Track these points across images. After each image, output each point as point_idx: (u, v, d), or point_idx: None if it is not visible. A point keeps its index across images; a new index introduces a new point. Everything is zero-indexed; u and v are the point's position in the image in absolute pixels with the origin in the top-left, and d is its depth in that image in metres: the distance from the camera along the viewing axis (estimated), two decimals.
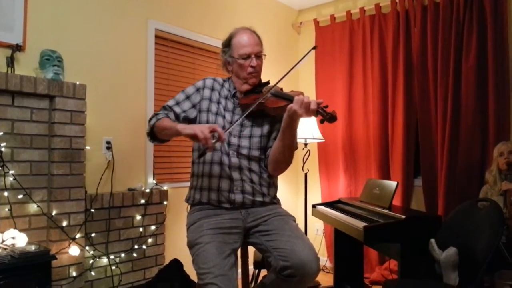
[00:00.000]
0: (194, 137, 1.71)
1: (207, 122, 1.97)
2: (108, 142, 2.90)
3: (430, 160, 3.59)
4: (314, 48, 1.99)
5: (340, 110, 4.12)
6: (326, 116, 1.79)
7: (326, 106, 1.80)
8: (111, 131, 2.94)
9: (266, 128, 2.00)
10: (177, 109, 2.00)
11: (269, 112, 1.93)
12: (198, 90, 2.04)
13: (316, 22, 4.39)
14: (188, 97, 2.03)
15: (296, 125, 1.87)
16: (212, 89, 2.04)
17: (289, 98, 1.85)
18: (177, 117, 1.99)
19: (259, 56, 1.98)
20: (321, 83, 4.34)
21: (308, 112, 1.76)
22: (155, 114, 1.99)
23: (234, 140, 1.95)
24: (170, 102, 2.03)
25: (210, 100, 2.02)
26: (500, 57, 3.27)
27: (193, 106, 2.02)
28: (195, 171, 2.02)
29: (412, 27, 3.72)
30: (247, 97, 1.99)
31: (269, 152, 1.98)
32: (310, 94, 4.35)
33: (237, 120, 1.93)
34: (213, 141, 1.68)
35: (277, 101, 1.90)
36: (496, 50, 3.27)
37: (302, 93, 1.89)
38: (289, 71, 1.92)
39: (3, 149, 2.32)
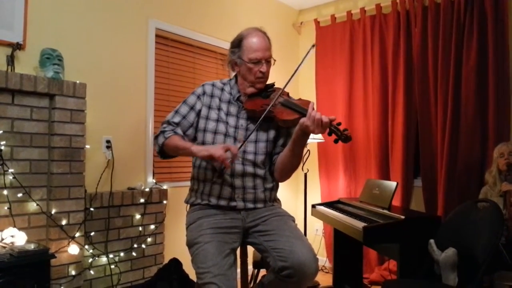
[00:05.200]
0: (210, 158, 1.74)
1: (205, 129, 1.94)
2: (108, 141, 2.90)
3: (430, 161, 3.59)
4: (313, 46, 1.96)
5: (340, 110, 4.13)
6: (340, 136, 1.73)
7: (339, 124, 1.75)
8: (111, 130, 2.93)
9: (272, 133, 1.97)
10: (185, 123, 1.95)
11: (277, 122, 1.89)
12: (199, 97, 1.99)
13: (317, 22, 4.39)
14: (192, 108, 1.98)
15: (308, 137, 1.84)
16: (212, 96, 2.00)
17: (300, 111, 1.79)
18: (185, 132, 1.96)
19: (268, 61, 1.94)
20: (321, 83, 4.34)
21: (321, 129, 1.71)
22: (162, 132, 1.94)
23: (239, 145, 1.90)
24: (176, 118, 1.96)
25: (210, 107, 1.97)
26: (500, 58, 3.27)
27: (198, 115, 1.98)
28: (196, 175, 1.99)
29: (412, 27, 3.72)
30: (253, 101, 1.94)
31: (275, 158, 1.97)
32: (311, 95, 4.35)
33: (248, 135, 1.87)
34: (229, 160, 1.71)
35: (287, 112, 1.85)
36: (496, 50, 3.26)
37: (311, 103, 1.84)
38: (293, 74, 1.90)
39: (2, 147, 2.32)
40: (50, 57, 2.49)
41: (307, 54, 1.91)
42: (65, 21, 2.72)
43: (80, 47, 2.78)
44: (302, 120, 1.73)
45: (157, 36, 3.26)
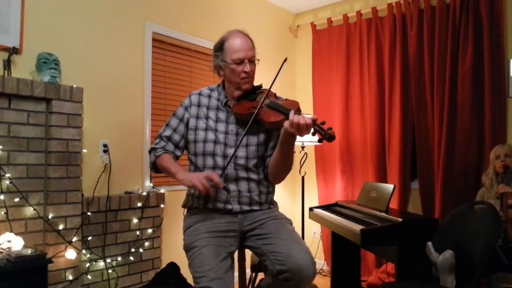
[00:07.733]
0: (193, 188, 1.77)
1: (195, 140, 1.94)
2: (105, 145, 2.90)
3: (427, 163, 3.60)
4: (285, 60, 1.90)
5: (337, 113, 4.14)
6: (324, 136, 1.70)
7: (323, 123, 1.71)
8: (108, 134, 2.93)
9: (262, 135, 1.96)
10: (176, 137, 1.99)
11: (264, 125, 1.88)
12: (186, 108, 2.01)
13: (313, 26, 4.41)
14: (181, 119, 2.00)
15: (294, 139, 1.82)
16: (199, 105, 2.00)
17: (285, 112, 1.76)
18: (176, 145, 1.99)
19: (252, 61, 1.93)
20: (318, 86, 4.35)
21: (305, 132, 1.69)
22: (153, 149, 2.00)
23: (230, 151, 1.90)
24: (166, 132, 2.00)
25: (198, 117, 1.97)
26: (496, 60, 3.29)
27: (187, 126, 2.00)
28: None
29: (408, 30, 3.74)
30: (240, 105, 1.92)
31: (268, 161, 1.96)
32: (307, 98, 4.37)
33: (230, 159, 1.85)
34: (212, 188, 1.76)
35: (273, 113, 1.83)
36: (492, 53, 3.28)
37: (297, 104, 1.83)
38: (270, 87, 1.90)
39: None
40: (47, 61, 2.49)
41: (281, 68, 1.87)
42: (62, 25, 2.72)
43: (77, 51, 2.78)
44: (286, 123, 1.72)
45: (154, 40, 3.26)
